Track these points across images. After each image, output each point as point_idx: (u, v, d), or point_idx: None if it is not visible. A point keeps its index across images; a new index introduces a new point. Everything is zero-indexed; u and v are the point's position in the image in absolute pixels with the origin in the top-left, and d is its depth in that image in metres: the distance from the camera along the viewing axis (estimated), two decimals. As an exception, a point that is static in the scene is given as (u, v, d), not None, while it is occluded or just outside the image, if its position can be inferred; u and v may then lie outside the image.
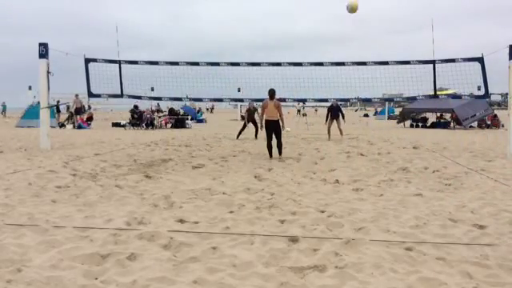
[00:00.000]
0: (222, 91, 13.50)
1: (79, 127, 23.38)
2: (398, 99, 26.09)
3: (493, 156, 11.09)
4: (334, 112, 16.59)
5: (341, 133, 16.56)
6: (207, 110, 61.82)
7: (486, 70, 11.58)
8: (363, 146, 13.63)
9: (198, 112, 35.75)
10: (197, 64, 13.10)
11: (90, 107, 44.07)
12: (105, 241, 4.22)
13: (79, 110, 24.59)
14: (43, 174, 7.86)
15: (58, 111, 26.63)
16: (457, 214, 5.31)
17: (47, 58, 11.98)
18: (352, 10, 9.78)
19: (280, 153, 10.63)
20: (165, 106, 34.40)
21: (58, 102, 24.11)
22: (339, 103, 16.90)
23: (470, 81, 11.92)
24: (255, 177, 7.99)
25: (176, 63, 12.97)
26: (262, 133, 11.57)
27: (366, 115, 49.75)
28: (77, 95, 23.56)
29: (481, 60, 11.60)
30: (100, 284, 3.28)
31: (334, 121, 16.47)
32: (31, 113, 22.84)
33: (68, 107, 31.97)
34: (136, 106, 24.69)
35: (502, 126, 24.05)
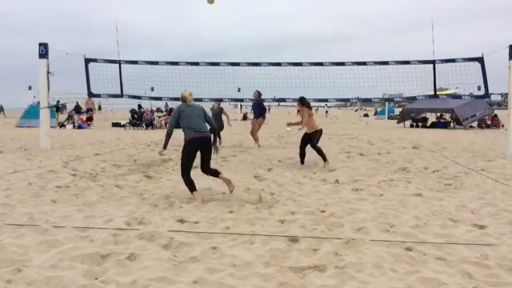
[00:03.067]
0: (222, 91, 13.50)
1: (79, 127, 23.39)
2: (398, 99, 26.07)
3: (493, 156, 11.09)
4: (256, 110, 13.32)
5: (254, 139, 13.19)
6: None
7: (486, 70, 11.57)
8: (363, 146, 13.62)
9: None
10: (197, 64, 13.08)
11: (100, 107, 44.22)
12: (105, 241, 4.22)
13: (89, 110, 25.10)
14: (43, 174, 7.86)
15: (57, 110, 26.72)
16: (457, 214, 5.31)
17: (47, 58, 11.98)
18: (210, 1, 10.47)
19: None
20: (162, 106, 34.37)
21: (58, 101, 24.13)
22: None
23: (470, 81, 11.92)
24: (255, 177, 7.98)
25: (176, 63, 12.96)
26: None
27: (366, 115, 49.77)
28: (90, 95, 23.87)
29: (481, 60, 11.60)
30: (100, 284, 3.28)
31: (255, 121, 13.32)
32: (31, 113, 22.83)
33: (64, 107, 32.16)
34: (139, 106, 24.80)
35: (502, 125, 24.05)
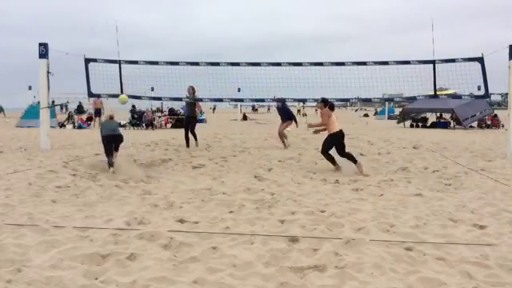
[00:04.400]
0: (222, 91, 13.46)
1: (79, 127, 23.39)
2: (397, 99, 26.05)
3: (493, 156, 11.09)
4: (284, 114, 13.80)
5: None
6: (210, 108, 61.77)
7: (486, 70, 11.55)
8: (363, 146, 13.61)
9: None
10: (197, 64, 13.05)
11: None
12: (105, 241, 4.22)
13: (99, 111, 24.81)
14: (43, 174, 7.85)
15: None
16: (457, 214, 5.31)
17: (47, 58, 11.98)
18: (122, 101, 11.53)
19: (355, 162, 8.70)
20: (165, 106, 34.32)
21: (53, 102, 24.08)
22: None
23: (470, 81, 11.89)
24: (255, 177, 7.99)
25: (176, 63, 12.92)
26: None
27: (366, 115, 49.78)
28: (99, 96, 23.60)
29: (481, 60, 11.58)
30: (100, 284, 3.28)
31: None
32: (31, 113, 22.82)
33: (61, 107, 31.92)
34: (133, 106, 24.67)
35: (502, 125, 24.05)
